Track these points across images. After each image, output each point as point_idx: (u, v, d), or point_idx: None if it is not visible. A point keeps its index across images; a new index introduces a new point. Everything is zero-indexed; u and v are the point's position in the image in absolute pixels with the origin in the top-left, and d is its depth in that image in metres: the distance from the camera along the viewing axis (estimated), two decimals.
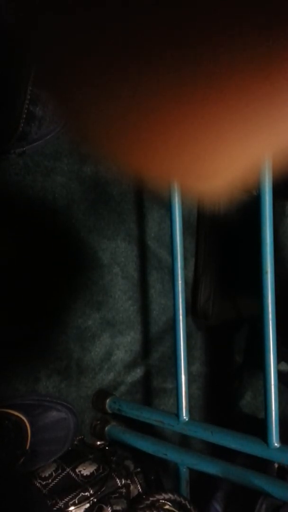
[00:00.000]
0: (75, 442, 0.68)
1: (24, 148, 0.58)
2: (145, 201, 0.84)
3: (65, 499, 0.56)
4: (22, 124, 0.47)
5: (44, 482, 0.59)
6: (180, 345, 0.67)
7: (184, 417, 0.67)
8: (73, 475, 0.61)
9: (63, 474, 0.61)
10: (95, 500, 0.58)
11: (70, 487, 0.59)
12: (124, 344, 0.80)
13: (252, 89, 0.11)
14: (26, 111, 0.46)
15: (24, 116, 0.46)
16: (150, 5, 0.10)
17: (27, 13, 0.12)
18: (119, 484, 0.62)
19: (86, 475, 0.61)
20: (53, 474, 0.61)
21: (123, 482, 0.63)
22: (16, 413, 0.59)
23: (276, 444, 0.61)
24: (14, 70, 0.43)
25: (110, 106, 0.12)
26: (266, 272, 0.62)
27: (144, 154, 0.13)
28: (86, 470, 0.62)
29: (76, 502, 0.57)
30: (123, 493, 0.62)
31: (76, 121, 0.14)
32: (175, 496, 0.59)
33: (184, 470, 0.67)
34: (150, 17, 0.10)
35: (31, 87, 0.44)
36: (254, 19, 0.10)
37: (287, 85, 0.11)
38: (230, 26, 0.10)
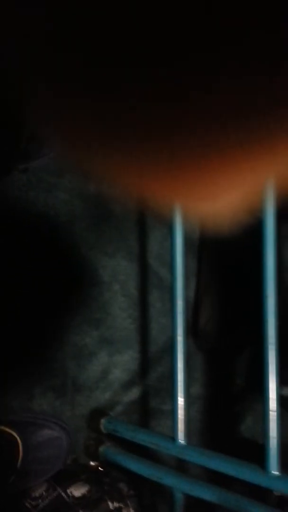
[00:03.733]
0: (68, 462, 0.67)
1: (27, 165, 0.59)
2: (147, 220, 0.84)
3: None
4: (24, 144, 0.48)
5: (34, 502, 0.58)
6: (178, 367, 0.66)
7: (181, 441, 0.65)
8: (64, 495, 0.60)
9: (54, 494, 0.60)
10: None
11: (61, 509, 0.58)
12: (122, 363, 0.79)
13: (253, 117, 0.11)
14: (28, 131, 0.47)
15: (27, 136, 0.47)
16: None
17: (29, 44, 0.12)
18: (111, 508, 0.61)
19: (78, 496, 0.60)
20: (44, 494, 0.59)
21: (115, 505, 0.61)
22: (8, 431, 0.58)
23: (275, 472, 0.60)
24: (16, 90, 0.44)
25: (114, 131, 0.12)
26: (267, 296, 0.61)
27: (147, 176, 0.14)
28: (77, 491, 0.61)
29: None
30: None
31: (78, 144, 0.14)
32: None
33: (179, 495, 0.65)
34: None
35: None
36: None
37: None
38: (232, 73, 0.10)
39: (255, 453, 0.88)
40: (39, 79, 0.12)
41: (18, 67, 0.12)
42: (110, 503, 0.60)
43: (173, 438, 0.66)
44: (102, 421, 0.72)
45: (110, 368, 0.78)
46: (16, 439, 0.59)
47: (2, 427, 0.58)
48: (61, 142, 0.14)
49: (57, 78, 0.12)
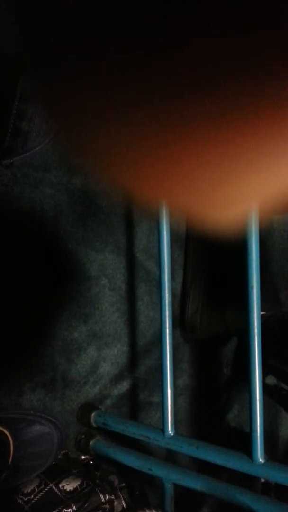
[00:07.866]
0: (59, 457, 0.67)
1: (12, 160, 0.58)
2: (134, 213, 0.84)
3: None
4: (7, 139, 0.47)
5: (26, 498, 0.58)
6: (167, 358, 0.67)
7: (170, 432, 0.66)
8: (56, 490, 0.60)
9: (46, 489, 0.60)
10: None
11: (53, 503, 0.58)
12: (111, 357, 0.80)
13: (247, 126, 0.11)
14: (12, 126, 0.46)
15: (10, 130, 0.46)
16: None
17: (22, 34, 0.11)
18: (102, 500, 0.61)
19: (69, 490, 0.61)
20: (36, 489, 0.60)
21: (107, 497, 0.62)
22: None
23: (260, 460, 0.61)
24: (0, 86, 0.43)
25: (103, 123, 0.12)
26: (252, 287, 0.62)
27: (134, 173, 0.13)
28: (69, 485, 0.61)
29: None
30: (107, 509, 0.61)
31: (67, 132, 0.14)
32: None
33: (169, 485, 0.66)
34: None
35: (17, 102, 0.44)
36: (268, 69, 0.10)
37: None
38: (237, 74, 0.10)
39: (243, 441, 0.90)
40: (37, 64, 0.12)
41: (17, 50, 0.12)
42: (102, 496, 0.61)
43: (162, 429, 0.67)
44: (92, 415, 0.72)
45: (99, 362, 0.78)
46: (6, 435, 0.59)
47: None
48: (52, 117, 0.14)
49: (51, 61, 0.11)
